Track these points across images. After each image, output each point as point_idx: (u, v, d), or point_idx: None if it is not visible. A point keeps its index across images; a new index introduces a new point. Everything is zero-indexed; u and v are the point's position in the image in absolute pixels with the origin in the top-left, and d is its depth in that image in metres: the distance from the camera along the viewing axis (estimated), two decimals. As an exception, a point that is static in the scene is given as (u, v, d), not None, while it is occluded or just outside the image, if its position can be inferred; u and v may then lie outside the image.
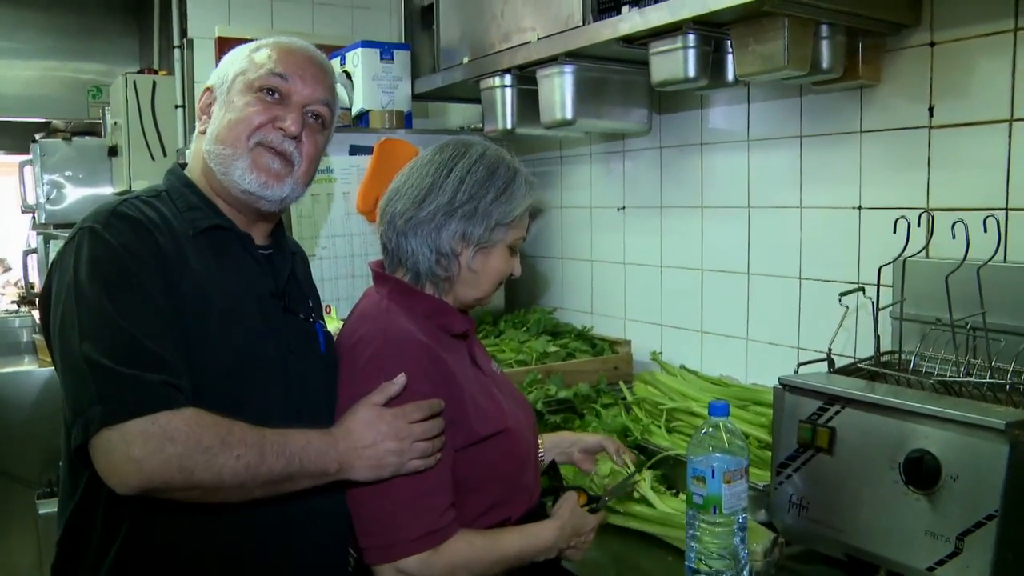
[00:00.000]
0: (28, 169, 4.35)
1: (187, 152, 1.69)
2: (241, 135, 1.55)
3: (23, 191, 4.46)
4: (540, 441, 1.97)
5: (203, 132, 1.62)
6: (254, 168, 1.55)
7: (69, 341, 1.33)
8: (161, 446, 1.26)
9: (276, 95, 1.58)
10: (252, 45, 1.64)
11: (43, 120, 4.93)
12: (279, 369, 1.55)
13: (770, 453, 1.88)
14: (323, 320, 1.75)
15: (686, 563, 1.70)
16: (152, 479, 1.27)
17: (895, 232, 1.86)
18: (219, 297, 1.48)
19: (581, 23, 2.36)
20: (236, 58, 1.62)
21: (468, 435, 1.62)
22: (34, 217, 4.50)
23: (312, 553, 1.56)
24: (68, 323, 1.35)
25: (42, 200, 4.22)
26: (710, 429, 1.68)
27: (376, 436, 1.49)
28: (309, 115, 1.61)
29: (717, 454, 1.64)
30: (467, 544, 1.57)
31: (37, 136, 4.37)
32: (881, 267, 1.89)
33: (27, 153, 4.38)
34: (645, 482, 2.04)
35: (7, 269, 7.69)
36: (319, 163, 1.69)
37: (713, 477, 1.63)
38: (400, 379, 1.54)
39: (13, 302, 5.52)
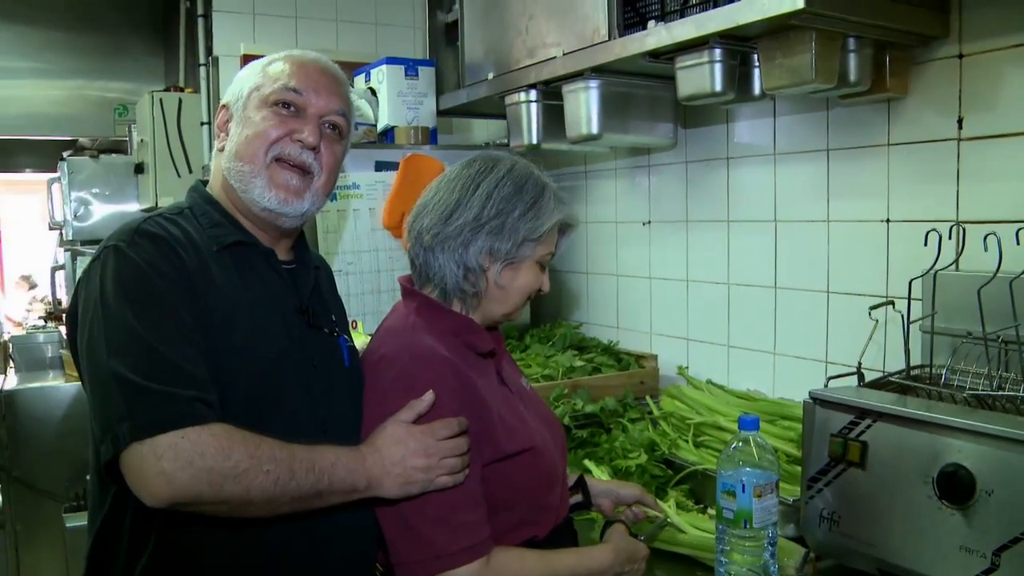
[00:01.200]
0: (56, 186, 4.40)
1: (210, 167, 1.70)
2: (259, 150, 1.56)
3: (51, 208, 4.50)
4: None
5: (221, 149, 1.64)
6: (272, 186, 1.57)
7: (97, 358, 1.35)
8: (191, 460, 1.27)
9: (292, 108, 1.59)
10: (265, 60, 1.65)
11: (70, 138, 4.97)
12: (304, 384, 1.56)
13: (799, 468, 1.87)
14: (348, 335, 1.75)
15: (716, 578, 1.70)
16: (182, 493, 1.27)
17: (926, 245, 1.85)
18: (244, 312, 1.49)
19: (607, 38, 2.36)
20: (250, 74, 1.64)
21: (495, 451, 1.62)
22: (61, 234, 4.55)
23: (338, 567, 1.56)
24: (95, 340, 1.36)
25: (69, 217, 4.26)
26: (740, 443, 1.67)
27: (404, 453, 1.50)
28: (326, 125, 1.62)
29: (747, 468, 1.63)
30: (518, 559, 1.58)
31: (64, 154, 4.41)
32: (912, 280, 1.87)
33: (55, 171, 4.43)
34: (671, 508, 2.02)
35: (33, 286, 7.77)
36: (338, 174, 1.70)
37: (744, 492, 1.61)
38: (428, 396, 1.54)
39: (40, 318, 5.56)
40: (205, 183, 1.68)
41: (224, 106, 1.66)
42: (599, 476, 2.23)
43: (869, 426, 1.62)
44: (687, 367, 2.83)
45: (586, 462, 2.34)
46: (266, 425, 1.41)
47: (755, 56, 2.16)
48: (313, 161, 1.60)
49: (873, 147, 2.24)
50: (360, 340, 2.35)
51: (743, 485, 1.62)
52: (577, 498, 1.91)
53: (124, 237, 1.45)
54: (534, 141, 2.80)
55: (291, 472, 1.37)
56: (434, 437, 1.51)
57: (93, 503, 1.52)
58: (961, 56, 2.02)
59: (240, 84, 1.64)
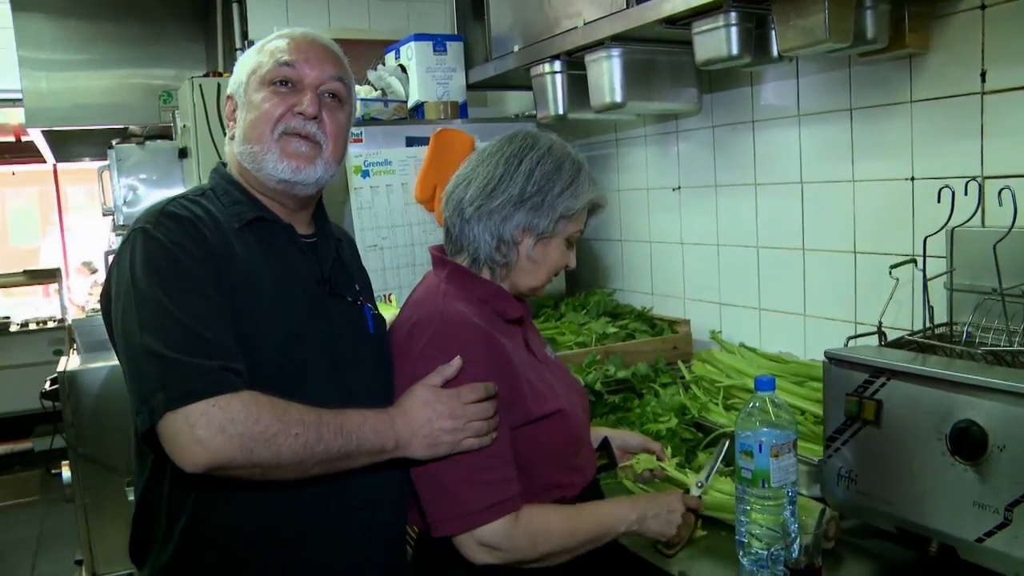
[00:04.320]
0: (106, 174, 4.49)
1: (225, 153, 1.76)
2: (265, 130, 1.61)
3: (102, 195, 4.60)
4: None
5: (232, 138, 1.69)
6: (284, 157, 1.61)
7: (130, 334, 1.42)
8: (222, 427, 1.34)
9: (289, 84, 1.63)
10: (258, 45, 1.70)
11: (121, 126, 5.08)
12: (329, 352, 1.61)
13: (825, 428, 1.88)
14: (372, 303, 1.81)
15: (736, 537, 1.72)
16: (216, 458, 1.34)
17: (939, 201, 1.83)
18: (267, 286, 1.55)
19: (625, 6, 2.37)
20: (246, 61, 1.69)
21: (524, 414, 1.66)
22: (114, 219, 4.65)
23: (368, 530, 1.62)
24: (128, 318, 1.43)
25: (120, 203, 4.36)
26: (757, 404, 1.69)
27: (431, 415, 1.55)
28: (325, 95, 1.66)
29: (765, 428, 1.66)
30: (542, 513, 1.63)
31: (113, 142, 4.50)
32: (927, 237, 1.87)
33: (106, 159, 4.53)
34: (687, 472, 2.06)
35: (94, 271, 8.00)
36: (347, 140, 1.74)
37: (760, 451, 1.64)
38: (456, 362, 1.59)
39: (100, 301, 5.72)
40: (226, 165, 1.74)
41: (229, 96, 1.71)
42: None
43: (883, 384, 1.62)
44: (720, 331, 2.84)
45: (610, 428, 2.36)
46: (293, 393, 1.46)
47: (771, 18, 2.15)
48: (317, 131, 1.64)
49: (896, 104, 2.21)
50: (391, 313, 2.40)
51: (760, 445, 1.64)
52: (603, 460, 1.95)
53: (150, 219, 1.52)
54: (560, 111, 2.82)
55: (319, 434, 1.43)
56: (461, 401, 1.57)
57: (136, 471, 1.61)
58: (983, 7, 1.98)
59: (239, 72, 1.69)
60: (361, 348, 1.69)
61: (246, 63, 1.68)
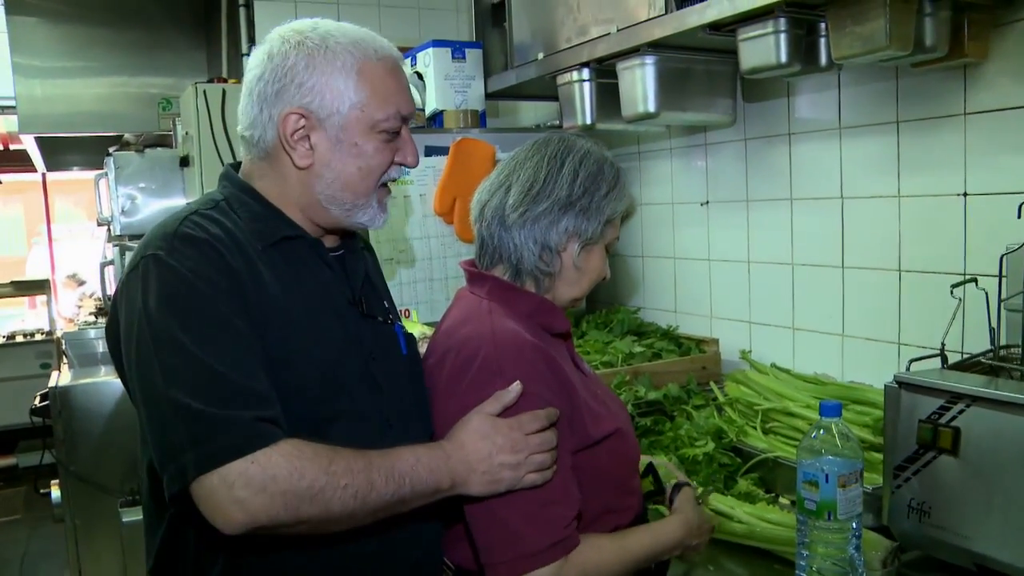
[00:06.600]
0: (103, 182, 4.38)
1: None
2: (371, 184, 1.49)
3: (99, 204, 4.49)
4: None
5: (305, 168, 1.46)
6: (382, 209, 1.53)
7: (151, 382, 1.26)
8: (264, 486, 1.20)
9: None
10: (353, 60, 1.44)
11: (116, 134, 4.98)
12: (365, 377, 1.49)
13: (876, 455, 1.79)
14: (401, 321, 1.68)
15: (797, 572, 1.61)
16: (258, 518, 1.21)
17: (1020, 217, 1.73)
18: (298, 312, 1.41)
19: (664, 11, 2.28)
20: (341, 86, 1.43)
21: (583, 438, 1.55)
22: (109, 230, 4.55)
23: (409, 570, 1.50)
24: (146, 362, 1.27)
25: (117, 213, 4.24)
26: (821, 431, 1.58)
27: (491, 449, 1.41)
28: None
29: (829, 457, 1.55)
30: (596, 550, 1.50)
31: (111, 150, 4.40)
32: (1003, 256, 1.77)
33: (101, 168, 4.43)
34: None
35: (81, 283, 7.85)
36: None
37: (827, 482, 1.53)
38: (515, 387, 1.46)
39: (91, 314, 5.60)
40: (236, 167, 1.56)
41: (303, 115, 1.43)
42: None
43: (962, 411, 1.53)
44: (750, 351, 2.73)
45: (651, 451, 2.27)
46: (330, 423, 1.35)
47: (822, 24, 2.07)
48: None
49: (948, 117, 2.12)
50: (415, 329, 2.29)
51: (826, 475, 1.54)
52: (649, 487, 1.83)
53: (163, 244, 1.34)
54: (588, 121, 2.73)
55: (370, 483, 1.29)
56: (522, 431, 1.43)
57: (148, 515, 1.46)
58: (1048, 15, 1.90)
59: (329, 94, 1.42)
60: (396, 371, 1.56)
61: (342, 90, 1.42)
